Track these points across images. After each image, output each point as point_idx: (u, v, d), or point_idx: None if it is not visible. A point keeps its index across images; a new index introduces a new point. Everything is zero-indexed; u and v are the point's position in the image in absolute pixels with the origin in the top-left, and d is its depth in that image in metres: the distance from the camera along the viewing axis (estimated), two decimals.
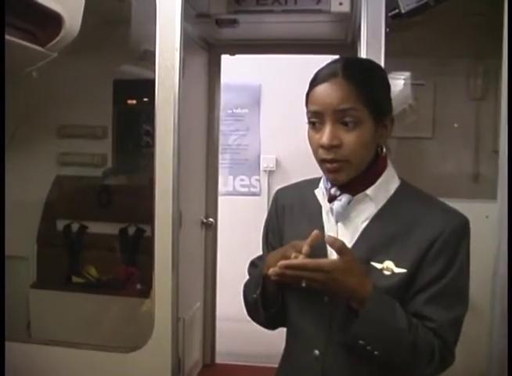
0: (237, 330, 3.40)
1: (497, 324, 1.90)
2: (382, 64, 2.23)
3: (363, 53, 2.26)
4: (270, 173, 4.56)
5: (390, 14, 2.23)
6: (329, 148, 1.22)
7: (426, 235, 1.22)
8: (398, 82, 3.08)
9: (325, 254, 1.27)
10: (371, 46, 2.24)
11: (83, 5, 1.95)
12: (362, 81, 1.22)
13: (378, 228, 1.26)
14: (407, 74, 3.09)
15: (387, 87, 1.30)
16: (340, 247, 1.17)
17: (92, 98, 3.09)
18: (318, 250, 1.25)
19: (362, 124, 1.21)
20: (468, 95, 3.01)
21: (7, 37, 1.71)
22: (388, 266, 1.22)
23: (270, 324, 1.43)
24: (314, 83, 1.26)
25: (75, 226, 3.21)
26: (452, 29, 2.75)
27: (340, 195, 1.28)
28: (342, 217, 1.28)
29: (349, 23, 2.89)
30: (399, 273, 1.21)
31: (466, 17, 2.68)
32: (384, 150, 1.29)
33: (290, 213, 1.41)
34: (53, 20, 1.87)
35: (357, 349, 1.20)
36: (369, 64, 1.35)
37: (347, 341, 1.21)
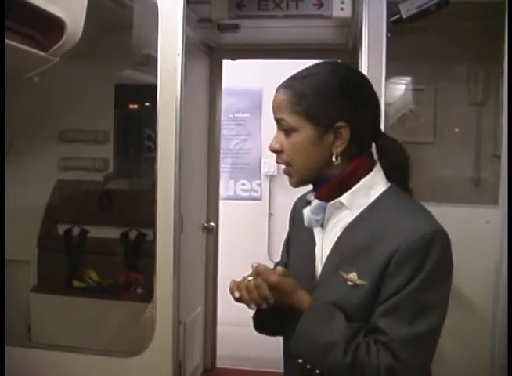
0: (238, 334, 3.39)
1: (499, 328, 1.90)
2: (383, 69, 2.24)
3: (364, 58, 2.27)
4: (271, 178, 4.57)
5: (391, 19, 2.24)
6: (273, 152, 1.30)
7: (388, 247, 1.17)
8: (399, 87, 3.09)
9: (313, 269, 1.30)
10: (372, 51, 2.25)
11: (85, 10, 1.95)
12: (296, 91, 1.25)
13: (348, 238, 1.24)
14: (408, 78, 3.10)
15: (336, 94, 1.24)
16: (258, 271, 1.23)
17: (94, 102, 3.10)
18: (305, 265, 1.31)
19: (297, 132, 1.25)
20: (469, 100, 3.01)
21: (9, 42, 1.71)
22: (352, 277, 1.20)
23: (261, 331, 1.44)
24: None
25: (76, 230, 3.21)
26: (452, 34, 2.75)
27: (312, 200, 1.30)
28: (315, 223, 1.29)
29: (350, 28, 2.90)
30: (360, 285, 1.18)
31: (466, 22, 2.68)
32: (336, 158, 1.24)
33: (298, 222, 1.41)
34: (55, 26, 1.87)
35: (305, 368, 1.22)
36: (321, 70, 1.29)
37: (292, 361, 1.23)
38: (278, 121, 1.28)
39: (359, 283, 1.19)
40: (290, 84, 1.27)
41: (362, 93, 1.28)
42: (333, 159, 1.25)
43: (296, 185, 1.31)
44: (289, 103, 1.25)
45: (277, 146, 1.28)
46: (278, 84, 1.31)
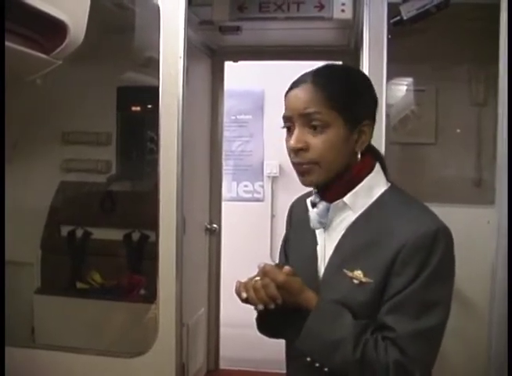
0: (241, 335, 3.39)
1: (496, 327, 1.90)
2: (384, 70, 2.25)
3: (365, 59, 2.28)
4: (273, 179, 4.57)
5: (392, 21, 2.25)
6: (296, 151, 1.25)
7: (392, 245, 1.18)
8: (401, 88, 3.09)
9: (315, 270, 1.30)
10: (373, 52, 2.26)
11: (87, 13, 1.97)
12: (329, 87, 1.23)
13: (351, 237, 1.25)
14: (409, 79, 3.10)
15: (363, 93, 1.28)
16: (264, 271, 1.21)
17: (96, 104, 3.10)
18: (307, 266, 1.31)
19: (330, 128, 1.22)
20: (470, 101, 3.01)
21: (12, 44, 1.72)
22: (358, 275, 1.20)
23: (265, 332, 1.43)
24: (287, 90, 1.29)
25: (79, 232, 3.22)
26: (453, 34, 2.76)
27: (318, 202, 1.29)
28: (321, 225, 1.29)
29: (352, 29, 2.91)
30: (366, 283, 1.19)
31: (467, 22, 2.68)
32: (359, 155, 1.26)
33: (296, 224, 1.43)
34: (58, 28, 1.88)
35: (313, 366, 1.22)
36: (342, 70, 1.33)
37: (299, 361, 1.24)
38: (306, 116, 1.23)
39: (365, 281, 1.20)
40: (318, 81, 1.24)
41: (374, 93, 1.32)
42: (359, 156, 1.26)
43: (315, 183, 1.28)
44: (324, 98, 1.22)
45: (301, 145, 1.24)
46: (292, 81, 1.29)
